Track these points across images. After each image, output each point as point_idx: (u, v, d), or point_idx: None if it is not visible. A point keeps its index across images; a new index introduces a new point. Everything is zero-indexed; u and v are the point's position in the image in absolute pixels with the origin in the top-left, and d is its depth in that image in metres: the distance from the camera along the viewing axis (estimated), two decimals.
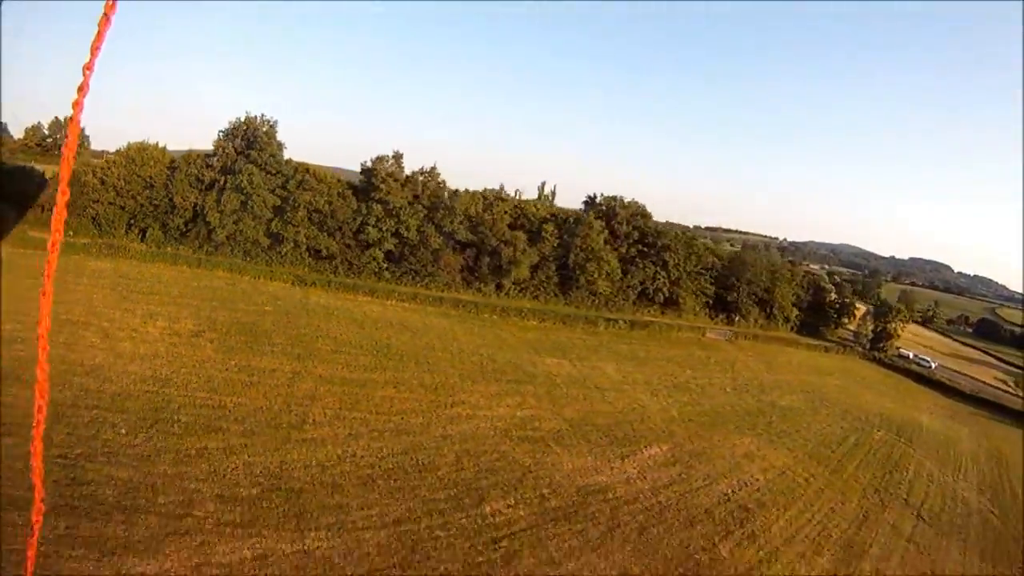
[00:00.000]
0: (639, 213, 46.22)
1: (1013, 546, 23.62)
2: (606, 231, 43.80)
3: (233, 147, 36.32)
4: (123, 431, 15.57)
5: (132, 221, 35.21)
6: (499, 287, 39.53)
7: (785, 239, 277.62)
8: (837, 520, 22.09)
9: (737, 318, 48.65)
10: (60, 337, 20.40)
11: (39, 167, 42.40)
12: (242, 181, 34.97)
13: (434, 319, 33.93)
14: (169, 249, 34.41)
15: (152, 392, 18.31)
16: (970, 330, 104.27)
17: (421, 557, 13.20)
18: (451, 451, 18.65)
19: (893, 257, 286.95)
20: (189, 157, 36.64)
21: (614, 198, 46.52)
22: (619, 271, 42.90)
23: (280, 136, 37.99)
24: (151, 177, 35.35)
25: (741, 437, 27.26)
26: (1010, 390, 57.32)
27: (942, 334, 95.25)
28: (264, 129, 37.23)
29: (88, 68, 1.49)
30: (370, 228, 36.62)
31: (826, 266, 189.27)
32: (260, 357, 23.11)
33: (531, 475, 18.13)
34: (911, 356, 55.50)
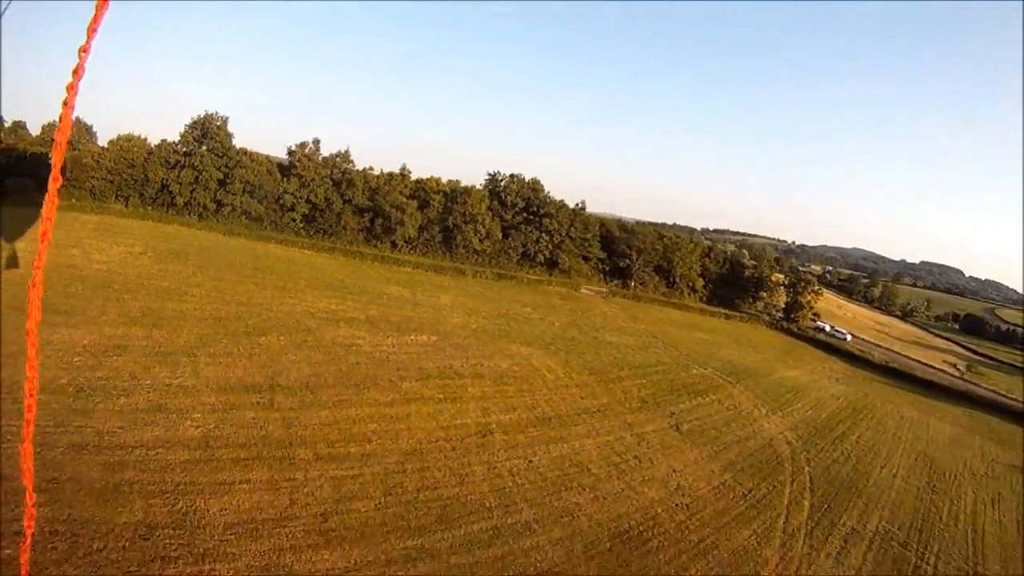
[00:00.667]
0: (529, 187, 55.31)
1: (763, 464, 24.68)
2: (493, 201, 53.11)
3: (192, 136, 49.01)
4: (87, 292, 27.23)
5: (118, 192, 48.32)
6: (393, 244, 49.85)
7: (794, 242, 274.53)
8: (562, 406, 26.05)
9: (633, 283, 56.00)
10: (56, 250, 32.96)
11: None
12: (196, 161, 47.38)
13: (321, 259, 44.81)
14: (141, 211, 47.14)
15: (106, 274, 30.16)
16: (956, 326, 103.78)
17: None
18: (271, 317, 29.10)
19: (903, 261, 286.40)
20: (163, 144, 49.67)
21: (512, 176, 55.88)
22: (499, 233, 52.17)
23: (231, 128, 50.59)
24: (133, 159, 48.49)
25: (524, 347, 33.33)
26: (951, 372, 59.93)
27: (913, 324, 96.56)
28: (217, 123, 49.76)
29: (84, 50, 1.50)
30: (288, 195, 48.08)
31: (829, 267, 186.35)
32: (181, 266, 34.74)
33: (311, 334, 28.02)
34: (827, 328, 59.73)
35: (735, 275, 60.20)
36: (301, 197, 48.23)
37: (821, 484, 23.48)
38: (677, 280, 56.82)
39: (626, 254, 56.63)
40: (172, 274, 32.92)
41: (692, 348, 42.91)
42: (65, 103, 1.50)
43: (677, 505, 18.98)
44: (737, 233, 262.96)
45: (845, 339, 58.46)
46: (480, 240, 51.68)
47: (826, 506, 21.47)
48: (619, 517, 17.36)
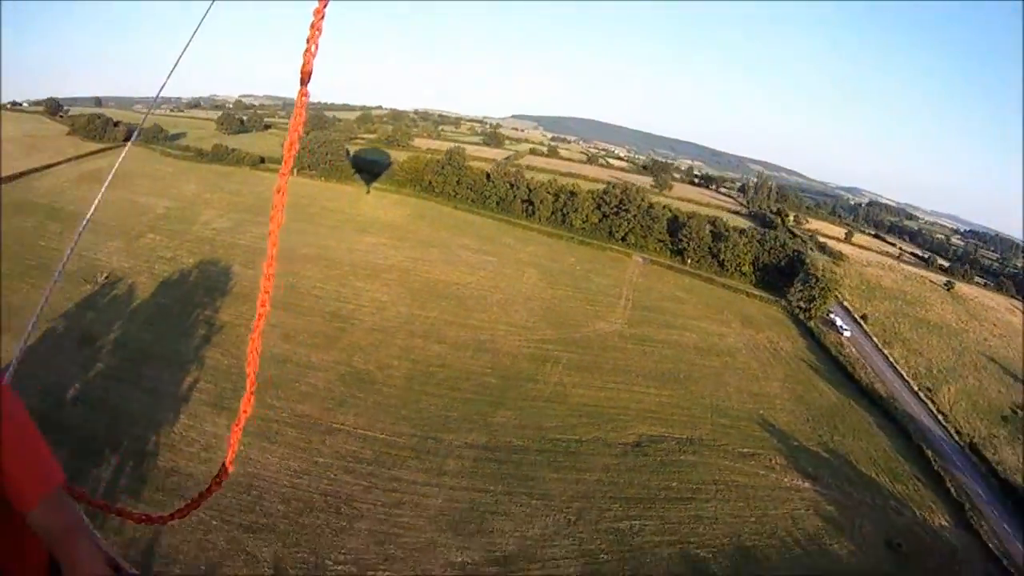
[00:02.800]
0: (622, 189, 76.01)
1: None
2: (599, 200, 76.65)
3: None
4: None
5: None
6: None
7: None
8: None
9: (688, 261, 71.88)
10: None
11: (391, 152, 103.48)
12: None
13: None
14: None
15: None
16: None
17: None
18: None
19: None
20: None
21: (613, 184, 77.45)
22: (596, 219, 75.70)
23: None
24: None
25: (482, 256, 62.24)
26: None
27: None
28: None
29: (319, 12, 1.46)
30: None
31: None
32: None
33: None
34: (839, 324, 63.44)
35: (790, 267, 67.73)
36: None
37: None
38: (724, 263, 69.38)
39: (687, 236, 71.85)
40: None
41: (658, 307, 61.02)
42: (303, 67, 1.47)
43: None
44: None
45: (841, 334, 60.99)
46: (582, 222, 76.72)
47: None
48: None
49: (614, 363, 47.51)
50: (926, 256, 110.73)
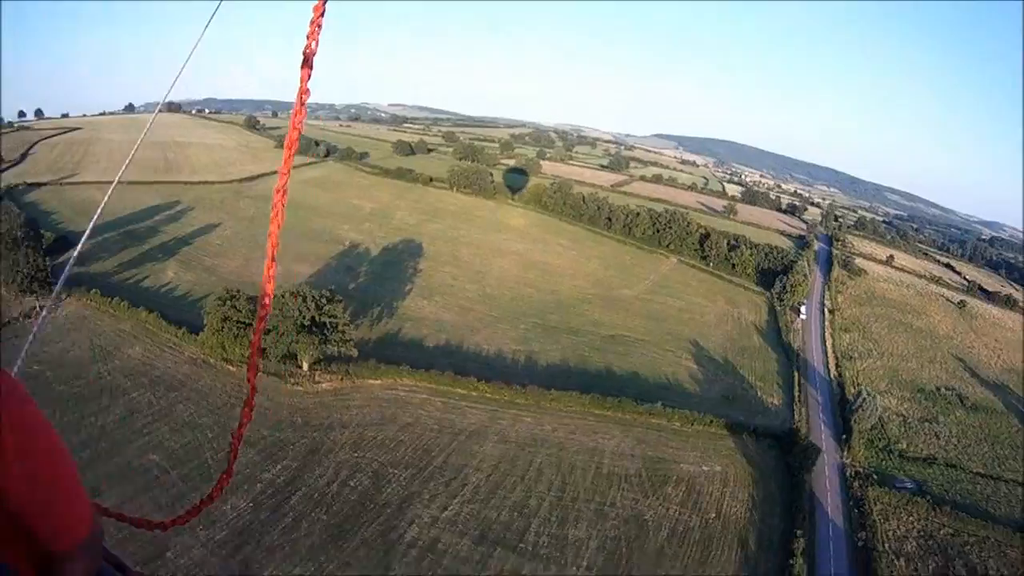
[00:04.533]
0: (670, 215, 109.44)
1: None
2: (658, 221, 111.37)
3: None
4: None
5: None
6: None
7: None
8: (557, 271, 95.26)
9: (711, 263, 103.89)
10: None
11: (525, 176, 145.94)
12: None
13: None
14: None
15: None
16: None
17: None
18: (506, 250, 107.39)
19: None
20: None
21: (667, 209, 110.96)
22: (651, 231, 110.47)
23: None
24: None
25: (601, 264, 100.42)
26: None
27: None
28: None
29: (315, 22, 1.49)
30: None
31: None
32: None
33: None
34: (801, 311, 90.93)
35: (784, 269, 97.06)
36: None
37: None
38: (735, 266, 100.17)
39: (710, 247, 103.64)
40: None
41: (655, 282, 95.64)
42: (306, 53, 1.51)
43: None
44: None
45: (798, 317, 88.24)
46: (641, 234, 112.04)
47: None
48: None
49: (623, 308, 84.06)
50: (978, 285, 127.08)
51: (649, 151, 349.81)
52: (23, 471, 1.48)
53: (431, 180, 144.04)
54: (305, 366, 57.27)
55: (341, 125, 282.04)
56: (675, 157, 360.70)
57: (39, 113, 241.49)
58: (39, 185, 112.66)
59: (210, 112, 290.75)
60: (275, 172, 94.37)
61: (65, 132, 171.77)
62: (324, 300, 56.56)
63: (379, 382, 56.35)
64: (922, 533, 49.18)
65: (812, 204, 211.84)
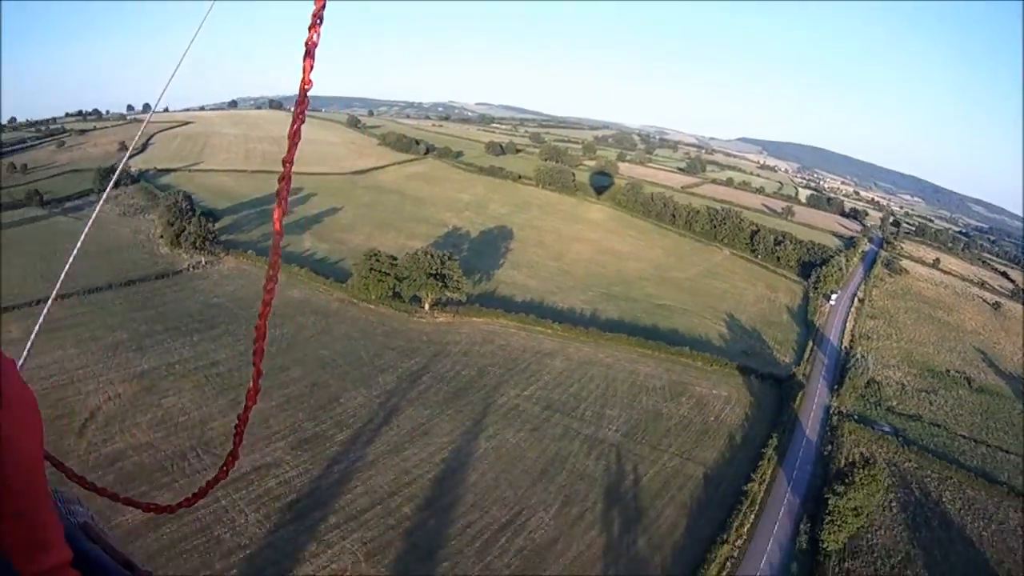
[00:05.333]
0: (725, 212, 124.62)
1: None
2: (716, 217, 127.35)
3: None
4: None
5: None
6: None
7: None
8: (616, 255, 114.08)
9: (759, 256, 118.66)
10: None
11: (605, 176, 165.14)
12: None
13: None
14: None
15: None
16: None
17: None
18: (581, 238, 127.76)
19: None
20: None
21: (727, 208, 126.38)
22: (708, 226, 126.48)
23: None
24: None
25: (661, 252, 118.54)
26: None
27: None
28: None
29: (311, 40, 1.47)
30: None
31: None
32: None
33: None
34: (832, 298, 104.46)
35: (822, 262, 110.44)
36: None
37: None
38: (780, 258, 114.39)
39: (758, 241, 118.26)
40: None
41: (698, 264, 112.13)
42: (306, 55, 1.46)
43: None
44: None
45: (828, 302, 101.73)
46: (700, 228, 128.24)
47: None
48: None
49: (675, 286, 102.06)
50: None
51: (730, 155, 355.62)
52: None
53: (520, 177, 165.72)
54: (427, 306, 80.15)
55: (434, 124, 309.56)
56: (756, 162, 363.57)
57: (146, 107, 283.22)
58: (169, 171, 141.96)
59: (310, 110, 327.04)
60: (382, 167, 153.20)
61: (179, 125, 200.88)
62: (445, 258, 79.27)
63: (480, 320, 78.39)
64: (887, 461, 63.82)
65: (882, 211, 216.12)
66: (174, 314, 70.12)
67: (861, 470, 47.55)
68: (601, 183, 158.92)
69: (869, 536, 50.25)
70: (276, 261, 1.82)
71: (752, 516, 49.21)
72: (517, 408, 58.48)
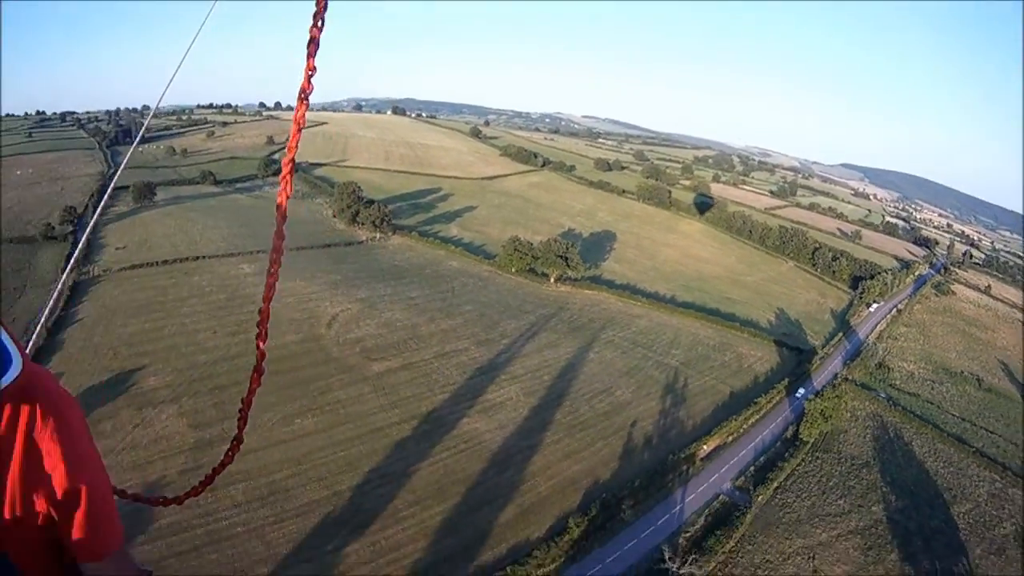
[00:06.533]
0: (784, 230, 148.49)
1: None
2: (782, 234, 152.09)
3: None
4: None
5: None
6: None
7: None
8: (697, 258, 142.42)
9: (818, 269, 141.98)
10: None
11: (699, 194, 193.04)
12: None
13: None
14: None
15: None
16: None
17: None
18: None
19: None
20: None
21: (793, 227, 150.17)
22: (779, 241, 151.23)
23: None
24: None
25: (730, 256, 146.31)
26: None
27: None
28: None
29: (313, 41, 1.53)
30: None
31: None
32: None
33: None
34: (872, 306, 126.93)
35: (870, 276, 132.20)
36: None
37: None
38: (835, 272, 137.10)
39: (819, 257, 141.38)
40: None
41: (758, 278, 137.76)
42: (308, 54, 1.52)
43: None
44: None
45: (869, 311, 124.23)
46: (772, 243, 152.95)
47: None
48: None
49: (741, 286, 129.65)
50: None
51: (826, 180, 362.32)
52: (63, 484, 1.52)
53: (623, 192, 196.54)
54: (552, 279, 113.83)
55: (545, 138, 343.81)
56: (852, 189, 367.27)
57: (277, 105, 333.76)
58: (320, 165, 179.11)
59: (427, 116, 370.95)
60: (506, 175, 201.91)
61: (316, 125, 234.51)
62: (568, 246, 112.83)
63: (590, 292, 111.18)
64: (872, 412, 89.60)
65: (967, 243, 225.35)
66: (369, 268, 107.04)
67: (828, 388, 75.73)
68: (703, 203, 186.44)
69: (839, 445, 76.84)
70: (279, 245, 1.98)
71: (756, 416, 78.34)
72: (613, 341, 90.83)
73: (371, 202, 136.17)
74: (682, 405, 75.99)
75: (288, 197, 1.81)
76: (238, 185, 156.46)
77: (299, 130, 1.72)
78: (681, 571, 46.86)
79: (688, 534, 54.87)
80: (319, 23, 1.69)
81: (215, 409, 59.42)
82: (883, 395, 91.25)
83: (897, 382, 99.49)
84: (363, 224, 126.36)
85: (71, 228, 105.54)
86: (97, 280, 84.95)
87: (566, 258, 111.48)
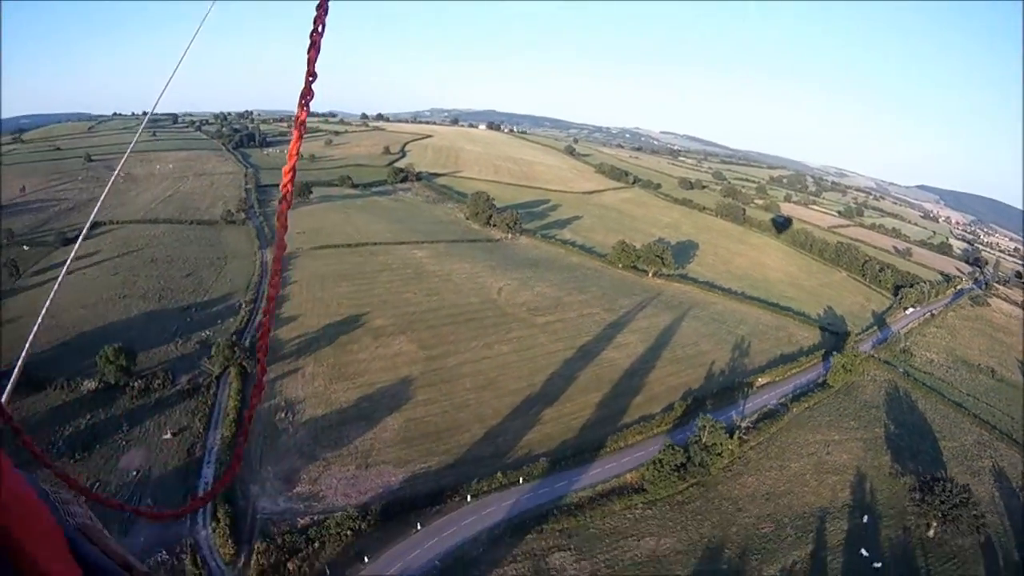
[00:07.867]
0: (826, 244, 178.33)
1: None
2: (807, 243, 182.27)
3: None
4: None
5: None
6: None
7: None
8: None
9: (867, 279, 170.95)
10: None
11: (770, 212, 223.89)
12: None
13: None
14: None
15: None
16: None
17: None
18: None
19: None
20: None
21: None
22: (834, 256, 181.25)
23: None
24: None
25: (778, 260, 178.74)
26: None
27: None
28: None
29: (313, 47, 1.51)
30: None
31: None
32: None
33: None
34: (908, 310, 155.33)
35: (910, 286, 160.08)
36: None
37: None
38: (881, 281, 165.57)
39: (867, 268, 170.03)
40: None
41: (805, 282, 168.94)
42: (309, 60, 1.49)
43: None
44: None
45: (906, 314, 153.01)
46: (829, 256, 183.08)
47: None
48: None
49: (798, 287, 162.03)
50: None
51: (898, 202, 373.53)
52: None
53: (703, 208, 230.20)
54: (650, 274, 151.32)
55: (630, 156, 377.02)
56: (924, 211, 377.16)
57: (380, 116, 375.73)
58: (438, 175, 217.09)
59: (517, 130, 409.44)
60: (601, 191, 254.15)
61: (423, 138, 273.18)
62: (664, 248, 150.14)
63: (678, 285, 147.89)
64: (889, 379, 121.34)
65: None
66: (512, 258, 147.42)
67: (848, 348, 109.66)
68: (781, 223, 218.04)
69: (858, 392, 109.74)
70: (280, 255, 1.97)
71: (797, 368, 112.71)
72: (697, 316, 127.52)
73: (503, 209, 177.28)
74: (746, 356, 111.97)
75: (289, 206, 1.84)
76: (374, 189, 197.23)
77: (300, 136, 1.75)
78: (742, 425, 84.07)
79: (746, 420, 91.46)
80: (319, 28, 1.70)
81: (434, 339, 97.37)
82: (901, 370, 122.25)
83: (917, 364, 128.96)
84: (496, 226, 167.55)
85: (244, 216, 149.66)
86: (293, 256, 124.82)
87: (662, 258, 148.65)
